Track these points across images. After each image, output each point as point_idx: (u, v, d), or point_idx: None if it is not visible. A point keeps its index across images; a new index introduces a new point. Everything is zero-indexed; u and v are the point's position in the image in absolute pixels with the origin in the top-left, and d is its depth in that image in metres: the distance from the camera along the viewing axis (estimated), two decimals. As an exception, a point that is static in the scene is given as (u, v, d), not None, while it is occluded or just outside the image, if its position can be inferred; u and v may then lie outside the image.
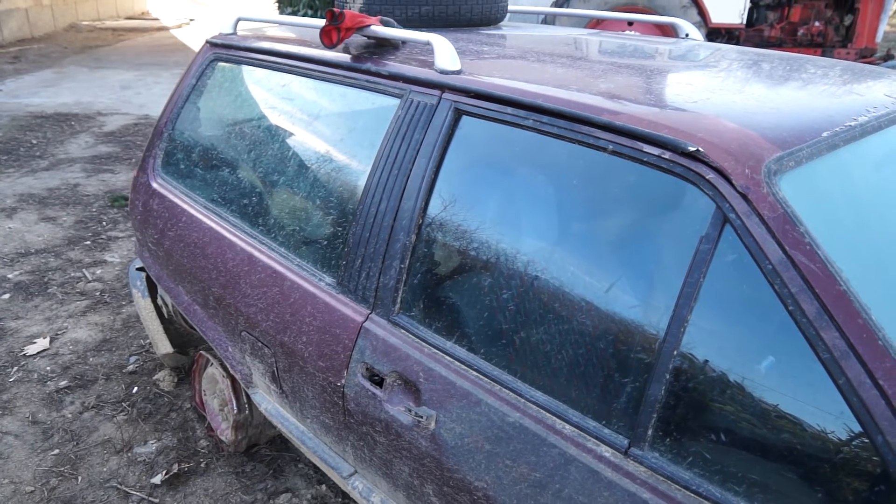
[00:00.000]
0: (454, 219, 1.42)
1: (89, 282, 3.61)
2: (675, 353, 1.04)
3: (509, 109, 1.33)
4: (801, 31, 7.03)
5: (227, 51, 2.15)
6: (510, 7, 2.35)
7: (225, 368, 2.25)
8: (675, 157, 1.09)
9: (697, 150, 1.06)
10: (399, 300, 1.46)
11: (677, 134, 1.09)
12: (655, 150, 1.11)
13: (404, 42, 1.75)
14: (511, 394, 1.24)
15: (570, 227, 1.31)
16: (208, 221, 2.01)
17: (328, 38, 1.70)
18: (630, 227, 1.20)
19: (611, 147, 1.17)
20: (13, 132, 6.35)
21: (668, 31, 6.11)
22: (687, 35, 2.17)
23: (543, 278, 1.27)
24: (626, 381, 1.11)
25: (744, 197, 1.01)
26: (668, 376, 1.04)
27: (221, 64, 2.19)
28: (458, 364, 1.33)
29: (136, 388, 2.75)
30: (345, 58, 1.70)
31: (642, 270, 1.17)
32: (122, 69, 9.69)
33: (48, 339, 3.07)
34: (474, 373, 1.30)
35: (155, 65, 10.07)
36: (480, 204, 1.41)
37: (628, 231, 1.21)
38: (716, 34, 6.90)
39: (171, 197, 2.21)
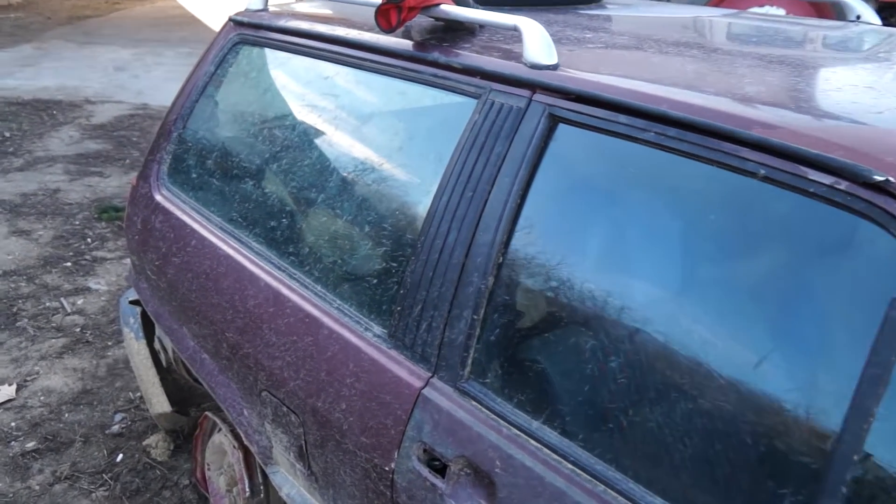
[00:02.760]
0: (546, 258, 1.41)
1: (68, 314, 3.74)
2: (855, 457, 1.00)
3: (622, 117, 1.32)
4: None
5: (256, 31, 2.22)
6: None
7: (237, 437, 2.28)
8: (853, 189, 1.06)
9: (887, 179, 1.02)
10: (470, 362, 1.45)
11: (857, 157, 1.06)
12: (826, 179, 1.08)
13: (483, 26, 1.77)
14: (620, 498, 1.21)
15: (703, 275, 1.28)
16: (225, 247, 2.06)
17: (385, 19, 1.73)
18: (787, 280, 1.18)
19: (763, 172, 1.14)
20: (-17, 123, 6.71)
21: (824, 9, 5.99)
22: (859, 17, 2.13)
23: (665, 343, 1.25)
24: (783, 492, 1.07)
25: (953, 247, 0.97)
26: (844, 490, 1.00)
27: (247, 48, 2.27)
28: (548, 452, 1.31)
29: (120, 456, 2.82)
30: (406, 45, 1.73)
31: (805, 341, 1.14)
32: (116, 46, 10.14)
33: (14, 387, 3.18)
34: (569, 465, 1.28)
35: (157, 41, 10.50)
36: (581, 240, 1.40)
37: (785, 285, 1.18)
38: (890, 10, 6.72)
39: (178, 214, 2.28)
